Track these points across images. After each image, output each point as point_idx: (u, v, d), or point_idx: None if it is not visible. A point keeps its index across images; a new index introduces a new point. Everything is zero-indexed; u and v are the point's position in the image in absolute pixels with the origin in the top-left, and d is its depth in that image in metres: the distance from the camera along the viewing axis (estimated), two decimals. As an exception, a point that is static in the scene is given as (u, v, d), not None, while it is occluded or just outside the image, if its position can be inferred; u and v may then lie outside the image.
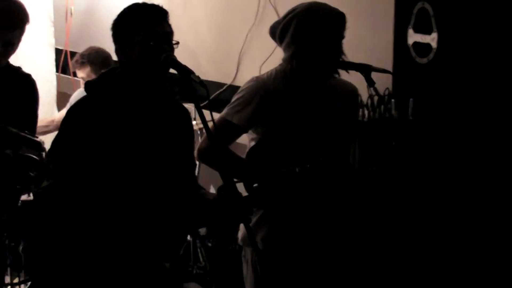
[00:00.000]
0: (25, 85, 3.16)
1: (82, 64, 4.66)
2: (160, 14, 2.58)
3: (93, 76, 4.41)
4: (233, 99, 3.04)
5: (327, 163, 2.88)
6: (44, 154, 2.78)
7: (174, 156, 2.69)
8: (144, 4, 2.62)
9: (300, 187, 2.90)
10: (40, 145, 2.80)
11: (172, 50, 2.57)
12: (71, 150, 2.53)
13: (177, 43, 2.59)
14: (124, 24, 2.58)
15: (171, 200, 2.65)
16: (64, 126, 2.59)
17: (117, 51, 2.62)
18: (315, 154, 2.97)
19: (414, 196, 3.45)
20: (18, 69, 3.17)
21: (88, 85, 2.67)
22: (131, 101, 2.60)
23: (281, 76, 3.01)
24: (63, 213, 2.51)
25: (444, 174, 3.34)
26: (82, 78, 4.70)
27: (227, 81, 5.07)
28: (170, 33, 2.60)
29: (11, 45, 3.00)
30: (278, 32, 3.00)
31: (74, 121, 2.57)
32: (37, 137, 2.87)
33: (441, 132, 3.39)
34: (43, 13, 5.45)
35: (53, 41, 5.55)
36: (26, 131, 2.84)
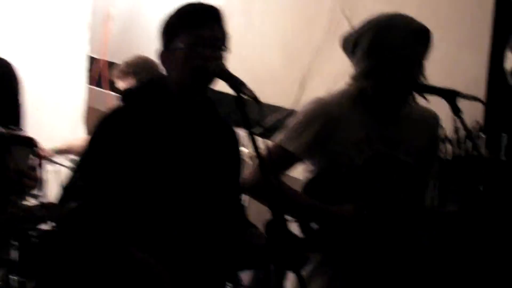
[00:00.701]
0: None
1: (126, 74, 4.77)
2: (211, 13, 2.60)
3: None
4: (290, 124, 3.06)
5: (399, 205, 2.84)
6: (38, 150, 2.78)
7: (218, 181, 2.70)
8: (195, 3, 2.65)
9: (366, 231, 2.92)
10: (32, 140, 2.77)
11: (219, 58, 2.59)
12: (104, 166, 2.57)
13: (227, 49, 2.61)
14: (168, 24, 2.63)
15: (214, 230, 2.66)
16: (96, 140, 2.64)
17: (161, 58, 2.66)
18: (383, 193, 2.99)
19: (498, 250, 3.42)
20: None
21: (126, 94, 2.73)
22: (171, 114, 2.64)
23: (348, 98, 3.02)
24: (99, 239, 2.54)
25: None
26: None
27: (288, 105, 5.11)
28: (220, 38, 2.61)
29: None
30: (350, 43, 3.03)
31: (108, 134, 2.61)
32: (25, 132, 2.85)
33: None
34: (77, 14, 5.60)
35: (86, 48, 5.70)
36: (11, 127, 2.81)
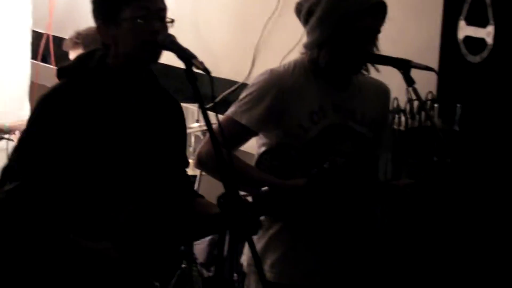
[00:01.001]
0: None
1: (76, 45, 4.67)
2: None
3: None
4: (241, 95, 3.03)
5: (349, 167, 2.84)
6: None
7: (162, 155, 2.69)
8: None
9: (316, 194, 2.86)
10: None
11: (166, 29, 2.55)
12: (43, 147, 2.52)
13: (172, 20, 2.57)
14: None
15: (160, 204, 2.64)
16: (34, 120, 2.59)
17: (99, 30, 2.60)
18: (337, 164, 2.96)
19: (453, 220, 3.44)
20: None
21: (61, 71, 2.66)
22: (113, 89, 2.60)
23: (301, 68, 3.00)
24: (35, 220, 2.50)
25: (495, 197, 3.33)
26: None
27: (240, 79, 5.09)
28: (163, 9, 2.58)
29: None
30: (304, 10, 2.98)
31: (46, 113, 2.56)
32: None
33: (493, 146, 3.38)
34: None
35: (30, 22, 5.57)
36: None
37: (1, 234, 2.55)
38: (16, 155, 2.60)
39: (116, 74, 2.61)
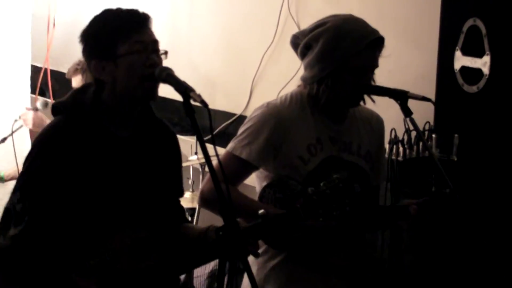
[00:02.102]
0: None
1: (75, 71, 4.67)
2: (142, 18, 2.56)
3: None
4: (240, 130, 3.03)
5: (346, 188, 2.78)
6: None
7: (156, 186, 2.69)
8: (121, 9, 2.59)
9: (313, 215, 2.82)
10: None
11: (161, 62, 2.55)
12: (44, 187, 2.51)
13: (166, 52, 2.57)
14: (100, 33, 2.55)
15: (158, 237, 2.64)
16: (33, 160, 2.56)
17: (93, 68, 2.58)
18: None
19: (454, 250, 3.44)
20: None
21: (56, 108, 2.64)
22: (109, 125, 2.60)
23: (298, 100, 3.02)
24: (44, 264, 2.49)
25: (494, 225, 3.33)
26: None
27: (238, 111, 5.10)
28: (156, 41, 2.58)
29: None
30: (302, 45, 3.00)
31: (45, 153, 2.54)
32: None
33: (491, 176, 3.38)
34: (19, 22, 5.52)
35: (29, 56, 5.61)
36: None
37: (9, 279, 2.53)
38: (17, 197, 2.55)
39: (112, 110, 2.60)
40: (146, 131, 2.70)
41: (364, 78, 2.94)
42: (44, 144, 2.57)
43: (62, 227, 2.51)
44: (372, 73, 2.97)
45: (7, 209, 2.54)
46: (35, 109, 4.74)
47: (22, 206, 2.52)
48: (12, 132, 4.66)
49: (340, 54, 2.90)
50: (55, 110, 2.65)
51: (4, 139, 4.73)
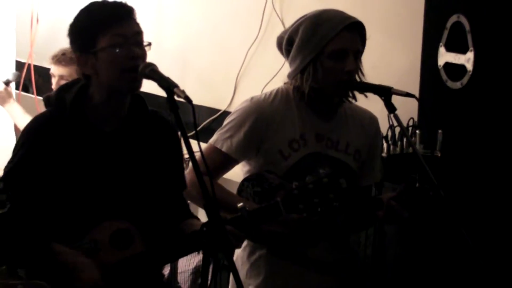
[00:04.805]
0: None
1: (70, 60, 4.60)
2: (125, 10, 2.54)
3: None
4: (224, 123, 3.05)
5: (331, 183, 2.75)
6: None
7: (153, 179, 2.69)
8: (104, 1, 2.57)
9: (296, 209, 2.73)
10: None
11: (145, 55, 2.54)
12: (28, 178, 2.54)
13: (149, 44, 2.56)
14: (82, 27, 2.55)
15: (152, 232, 2.65)
16: (19, 149, 2.59)
17: (78, 61, 2.59)
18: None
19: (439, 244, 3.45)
20: None
21: (48, 100, 2.66)
22: (95, 119, 2.61)
23: (283, 96, 3.02)
24: (23, 244, 2.52)
25: (478, 222, 3.34)
26: (61, 76, 4.62)
27: (222, 106, 5.10)
28: (140, 32, 2.56)
29: None
30: (285, 42, 3.00)
31: (31, 143, 2.57)
32: None
33: (475, 171, 3.39)
34: (4, 18, 5.50)
35: (14, 52, 5.59)
36: None
37: None
38: (4, 182, 2.57)
39: (98, 104, 2.60)
40: (137, 124, 2.68)
41: (346, 62, 2.91)
42: (29, 134, 2.61)
43: (43, 217, 2.55)
44: (356, 58, 2.94)
45: None
46: (7, 83, 4.87)
47: (6, 196, 2.54)
48: None
49: (318, 39, 2.90)
50: (46, 101, 2.68)
51: None
